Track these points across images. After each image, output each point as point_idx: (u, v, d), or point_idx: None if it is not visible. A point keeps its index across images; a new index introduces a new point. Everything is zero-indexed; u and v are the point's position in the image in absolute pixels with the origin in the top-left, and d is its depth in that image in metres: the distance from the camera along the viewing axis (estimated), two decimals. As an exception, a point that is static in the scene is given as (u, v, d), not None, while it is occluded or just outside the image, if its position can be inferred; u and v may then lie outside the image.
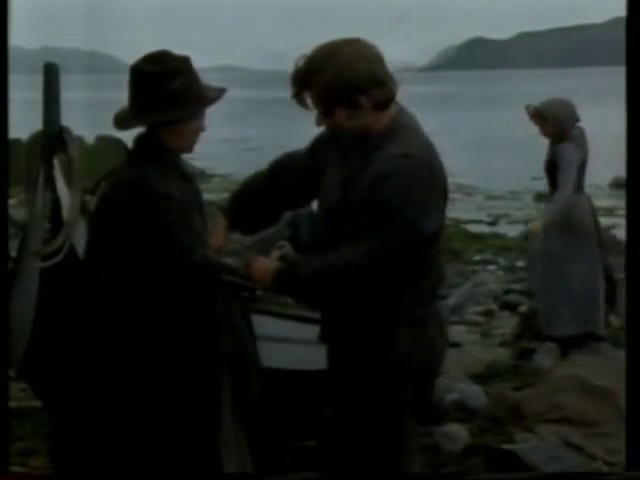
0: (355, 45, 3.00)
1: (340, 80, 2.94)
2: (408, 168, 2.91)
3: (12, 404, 4.38)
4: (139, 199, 3.16)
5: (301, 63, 3.00)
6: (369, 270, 2.92)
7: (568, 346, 6.69)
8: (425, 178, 2.94)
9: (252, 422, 3.47)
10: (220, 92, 3.32)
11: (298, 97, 3.03)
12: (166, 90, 3.17)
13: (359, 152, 3.04)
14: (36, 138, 3.40)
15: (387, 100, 3.03)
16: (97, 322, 3.22)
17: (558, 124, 6.59)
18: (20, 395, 5.07)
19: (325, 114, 3.03)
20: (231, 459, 3.36)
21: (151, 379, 3.22)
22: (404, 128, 3.04)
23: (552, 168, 6.68)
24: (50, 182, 3.34)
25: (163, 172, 3.23)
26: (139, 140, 3.31)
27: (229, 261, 3.27)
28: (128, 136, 3.36)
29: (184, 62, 3.25)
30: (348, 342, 3.11)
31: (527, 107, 6.74)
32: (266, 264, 3.16)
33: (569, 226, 6.66)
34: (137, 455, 3.26)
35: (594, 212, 7.01)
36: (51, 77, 3.37)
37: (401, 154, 2.93)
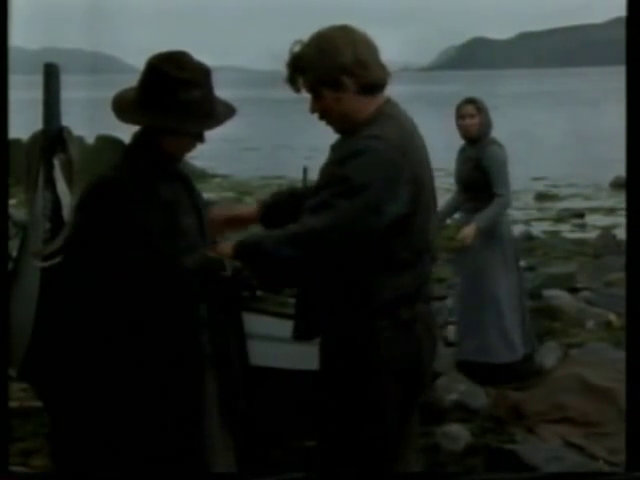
0: (342, 30, 3.11)
1: (324, 60, 3.05)
2: (375, 148, 2.97)
3: (13, 404, 4.39)
4: (117, 201, 3.13)
5: (296, 47, 3.13)
6: (331, 238, 2.91)
7: (495, 376, 6.10)
8: (392, 159, 2.97)
9: (239, 424, 3.45)
10: (230, 113, 3.28)
11: (291, 81, 3.14)
12: (181, 99, 3.11)
13: (342, 140, 3.13)
14: (36, 138, 3.38)
15: (372, 84, 3.10)
16: (90, 321, 3.21)
17: (487, 120, 6.32)
18: (21, 395, 5.07)
19: (314, 96, 3.12)
20: (218, 462, 3.35)
21: (133, 379, 3.20)
22: (387, 116, 3.10)
23: (477, 171, 6.28)
24: (50, 182, 3.33)
25: (154, 173, 3.20)
26: (135, 138, 3.27)
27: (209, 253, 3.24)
28: (129, 136, 3.35)
29: (205, 73, 3.19)
30: (334, 343, 3.11)
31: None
32: (230, 242, 3.17)
33: (492, 242, 6.25)
34: (130, 455, 3.26)
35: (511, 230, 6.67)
36: (51, 77, 3.36)
37: (371, 135, 3.00)
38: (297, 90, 3.16)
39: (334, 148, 3.16)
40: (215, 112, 3.22)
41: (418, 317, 3.12)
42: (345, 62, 3.05)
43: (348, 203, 2.91)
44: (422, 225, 3.08)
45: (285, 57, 3.15)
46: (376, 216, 2.92)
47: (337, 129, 3.18)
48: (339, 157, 3.02)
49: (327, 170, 3.07)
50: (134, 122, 3.21)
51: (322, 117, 3.17)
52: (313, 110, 3.16)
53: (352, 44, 3.07)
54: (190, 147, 3.27)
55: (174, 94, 3.12)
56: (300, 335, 3.20)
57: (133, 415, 3.21)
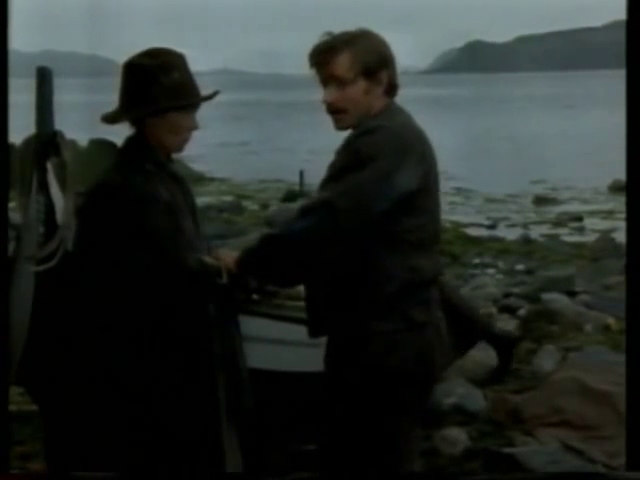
0: (376, 32, 3.20)
1: (374, 49, 3.13)
2: (386, 126, 3.02)
3: (11, 408, 4.38)
4: (121, 204, 3.16)
5: (328, 37, 3.14)
6: (342, 206, 2.92)
7: None
8: (404, 136, 3.02)
9: (246, 425, 3.46)
10: (214, 92, 3.35)
11: (320, 65, 3.13)
12: (164, 82, 3.19)
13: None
14: (29, 142, 3.39)
15: (395, 86, 3.18)
16: (90, 325, 3.22)
17: None
18: (19, 399, 5.06)
19: (346, 83, 3.10)
20: (226, 463, 3.36)
21: (144, 382, 3.22)
22: (396, 111, 3.17)
23: None
24: (44, 186, 3.32)
25: (151, 175, 3.23)
26: (128, 141, 3.31)
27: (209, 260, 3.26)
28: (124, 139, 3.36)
29: (180, 57, 3.28)
30: (345, 343, 3.11)
31: None
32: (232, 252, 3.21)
33: None
34: (136, 456, 3.26)
35: None
36: (44, 81, 3.36)
37: (383, 119, 3.07)
38: (323, 74, 3.13)
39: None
40: (199, 90, 3.31)
41: (431, 321, 3.13)
42: (388, 57, 3.15)
43: (356, 175, 2.94)
44: (433, 210, 3.13)
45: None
46: (385, 186, 2.94)
47: (345, 124, 3.15)
48: (350, 138, 3.06)
49: (337, 154, 3.09)
50: (126, 119, 3.27)
51: (335, 108, 3.14)
52: (330, 98, 3.13)
53: (388, 44, 3.18)
54: (186, 134, 3.31)
55: (156, 80, 3.19)
56: (316, 332, 3.20)
57: (142, 417, 3.23)
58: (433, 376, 3.19)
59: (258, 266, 3.11)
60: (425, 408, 3.28)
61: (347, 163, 2.98)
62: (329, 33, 3.15)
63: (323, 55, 3.12)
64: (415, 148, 3.04)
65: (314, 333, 3.21)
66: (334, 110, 3.14)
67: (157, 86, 3.19)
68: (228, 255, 3.18)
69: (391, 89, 3.17)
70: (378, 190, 2.94)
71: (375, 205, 2.95)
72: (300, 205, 3.07)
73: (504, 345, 5.52)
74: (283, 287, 3.66)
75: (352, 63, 3.09)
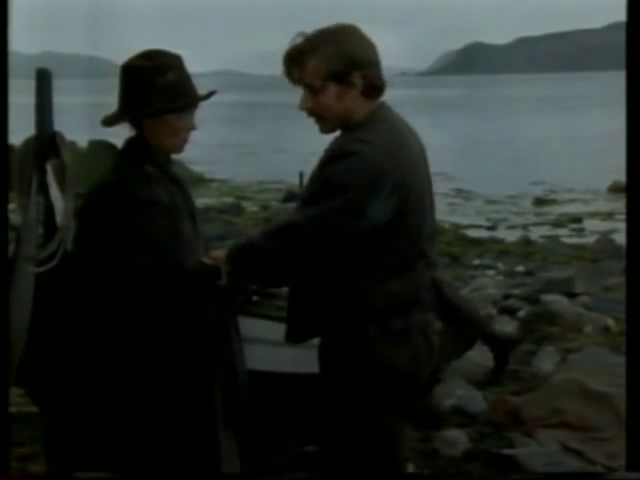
0: (354, 28, 3.10)
1: (340, 53, 3.01)
2: (361, 151, 2.93)
3: (11, 409, 4.38)
4: (120, 206, 3.16)
5: (299, 40, 3.06)
6: (310, 233, 2.92)
7: None
8: (378, 164, 2.92)
9: (244, 428, 3.47)
10: (211, 92, 3.36)
11: (292, 71, 3.07)
12: (160, 84, 3.21)
13: (332, 141, 3.09)
14: (29, 143, 3.39)
15: (378, 86, 3.07)
16: (89, 327, 3.22)
17: None
18: (19, 400, 5.06)
19: (313, 90, 3.04)
20: (223, 465, 3.37)
21: (143, 383, 3.22)
22: (380, 121, 3.06)
23: None
24: (43, 187, 3.32)
25: (150, 177, 3.24)
26: (128, 143, 3.32)
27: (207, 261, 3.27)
28: (122, 141, 3.37)
29: (176, 59, 3.30)
30: (328, 349, 3.11)
31: None
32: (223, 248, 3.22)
33: None
34: (134, 458, 3.27)
35: None
36: (43, 82, 3.36)
37: (360, 139, 2.96)
38: (296, 82, 3.07)
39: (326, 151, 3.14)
40: (195, 91, 3.31)
41: (414, 326, 3.09)
42: (359, 58, 3.02)
43: (328, 202, 2.90)
44: (413, 231, 3.05)
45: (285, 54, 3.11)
46: (356, 218, 2.90)
47: (327, 128, 3.11)
48: (325, 158, 3.01)
49: (314, 171, 3.06)
50: (123, 120, 3.28)
51: (313, 114, 3.10)
52: (306, 105, 3.08)
53: (366, 42, 3.07)
54: (184, 135, 3.32)
55: (151, 81, 3.20)
56: (291, 338, 3.20)
57: (141, 418, 3.23)
58: (418, 378, 3.17)
59: (240, 265, 3.12)
60: (407, 409, 3.27)
61: (319, 189, 2.95)
62: (301, 34, 3.07)
63: (290, 63, 3.07)
64: (391, 176, 2.93)
65: (289, 337, 3.21)
66: (313, 115, 3.10)
67: (153, 88, 3.20)
68: (219, 252, 3.19)
69: (371, 90, 3.06)
70: (346, 221, 2.90)
71: (342, 235, 2.93)
72: (275, 223, 3.07)
73: (499, 347, 5.52)
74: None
75: (317, 70, 3.01)
